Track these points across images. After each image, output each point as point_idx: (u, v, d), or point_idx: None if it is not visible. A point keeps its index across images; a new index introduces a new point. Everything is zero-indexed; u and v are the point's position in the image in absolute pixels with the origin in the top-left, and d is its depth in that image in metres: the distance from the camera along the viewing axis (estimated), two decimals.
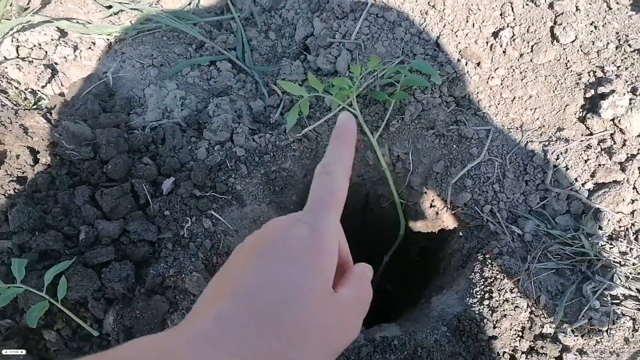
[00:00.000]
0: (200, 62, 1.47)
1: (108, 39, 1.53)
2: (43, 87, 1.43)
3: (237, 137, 1.27)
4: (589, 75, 1.23)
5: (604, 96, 1.17)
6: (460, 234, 1.21)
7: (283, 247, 0.41)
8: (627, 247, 1.06)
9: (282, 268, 0.40)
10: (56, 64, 1.47)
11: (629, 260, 1.05)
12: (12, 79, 1.41)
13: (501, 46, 1.30)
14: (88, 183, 1.17)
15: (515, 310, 0.98)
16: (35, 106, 1.38)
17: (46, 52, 1.48)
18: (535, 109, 1.23)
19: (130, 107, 1.37)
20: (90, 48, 1.52)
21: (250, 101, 1.40)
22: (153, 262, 1.09)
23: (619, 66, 1.22)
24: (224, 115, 1.30)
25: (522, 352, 0.95)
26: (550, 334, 0.97)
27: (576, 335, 0.96)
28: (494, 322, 0.97)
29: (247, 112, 1.36)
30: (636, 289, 1.01)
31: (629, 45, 1.24)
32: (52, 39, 1.49)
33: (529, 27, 1.31)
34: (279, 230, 0.43)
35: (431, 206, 1.31)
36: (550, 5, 1.33)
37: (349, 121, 0.51)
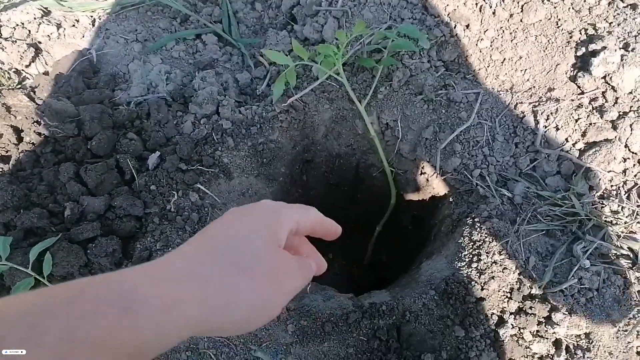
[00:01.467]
0: (185, 36, 1.45)
1: (92, 16, 1.51)
2: (27, 66, 1.41)
3: (223, 109, 1.25)
4: (581, 33, 1.20)
5: (595, 53, 1.14)
6: (451, 199, 1.20)
7: (245, 211, 0.50)
8: (619, 205, 1.04)
9: (241, 222, 0.47)
10: (40, 42, 1.46)
11: (620, 219, 1.03)
12: None
13: (490, 7, 1.27)
14: (73, 160, 1.17)
15: (503, 272, 0.97)
16: (19, 86, 1.37)
17: (29, 31, 1.46)
18: (526, 69, 1.20)
19: (115, 83, 1.36)
20: (74, 26, 1.49)
21: (237, 73, 1.37)
22: (140, 236, 1.08)
23: (611, 22, 1.19)
24: (210, 88, 1.28)
25: (511, 313, 0.94)
26: (539, 294, 0.96)
27: (565, 295, 0.95)
28: (482, 284, 0.96)
29: (233, 84, 1.34)
30: (627, 248, 1.00)
31: (622, 0, 1.20)
32: (35, 18, 1.47)
33: None
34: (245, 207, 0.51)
35: (421, 173, 1.29)
36: None
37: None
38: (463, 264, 1.01)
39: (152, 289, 0.37)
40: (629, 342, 0.90)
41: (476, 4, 1.29)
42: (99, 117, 1.21)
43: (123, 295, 0.35)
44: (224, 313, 0.42)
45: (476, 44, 1.26)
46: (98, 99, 1.29)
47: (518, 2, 1.26)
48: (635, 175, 1.07)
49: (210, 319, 0.40)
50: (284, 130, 1.28)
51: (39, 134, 1.20)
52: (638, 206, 1.03)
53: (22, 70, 1.41)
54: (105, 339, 0.33)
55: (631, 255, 0.99)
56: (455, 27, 1.28)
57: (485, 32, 1.26)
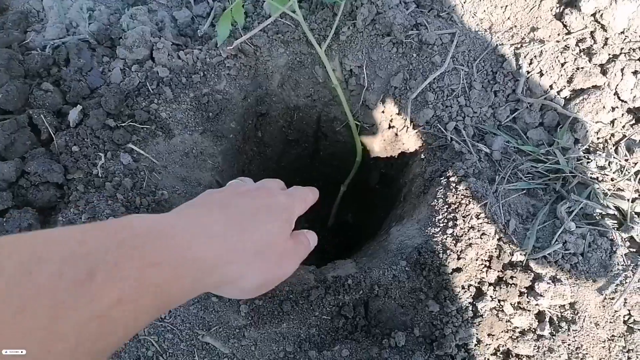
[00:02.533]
0: None
1: None
2: None
3: (158, 54, 1.06)
4: None
5: None
6: (422, 156, 1.07)
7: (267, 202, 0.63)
8: (606, 160, 0.94)
9: (263, 211, 0.60)
10: None
11: (607, 175, 0.93)
12: None
13: None
14: None
15: (481, 238, 0.86)
16: None
17: None
18: (506, 6, 1.06)
19: (27, 23, 1.13)
20: None
21: (174, 10, 1.17)
22: (62, 207, 0.91)
23: None
24: (142, 28, 1.08)
25: (490, 284, 0.84)
26: (521, 262, 0.86)
27: (549, 262, 0.86)
28: (458, 253, 0.86)
29: (170, 23, 1.14)
30: (614, 206, 0.91)
31: None
32: None
33: None
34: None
35: (390, 127, 1.15)
36: None
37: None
38: (437, 229, 0.90)
39: (200, 251, 0.47)
40: (615, 311, 0.83)
41: None
42: (6, 65, 1.01)
43: (179, 253, 0.44)
44: (235, 282, 0.54)
45: None
46: (6, 42, 1.07)
47: None
48: (623, 127, 0.97)
49: (225, 286, 0.55)
50: (232, 78, 1.10)
51: None
52: (626, 160, 0.94)
53: None
54: (164, 286, 0.41)
55: (618, 215, 0.90)
56: None
57: None
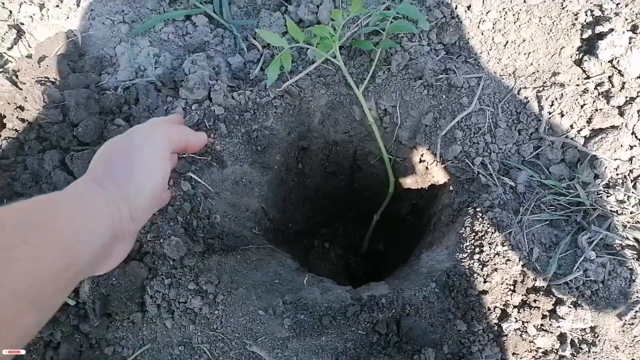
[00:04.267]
0: (175, 17, 1.39)
1: None
2: (9, 48, 1.35)
3: (215, 94, 1.20)
4: (586, 14, 1.15)
5: (601, 36, 1.09)
6: (451, 188, 1.16)
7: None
8: (625, 194, 1.01)
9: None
10: (22, 23, 1.39)
11: (626, 208, 1.00)
12: None
13: None
14: (58, 147, 1.11)
15: (506, 264, 0.94)
16: (1, 69, 1.31)
17: (10, 11, 1.39)
18: (529, 53, 1.16)
19: (101, 66, 1.30)
20: (57, 6, 1.42)
21: (229, 57, 1.32)
22: None
23: (619, 3, 1.14)
24: (201, 72, 1.23)
25: (514, 306, 0.91)
26: (544, 287, 0.93)
27: (570, 288, 0.92)
28: (485, 277, 0.93)
29: (225, 68, 1.29)
30: (633, 238, 0.97)
31: None
32: None
33: None
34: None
35: (420, 161, 1.25)
36: None
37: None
38: (465, 255, 0.98)
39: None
40: (635, 336, 0.88)
41: None
42: (85, 103, 1.16)
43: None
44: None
45: (478, 26, 1.21)
46: (84, 83, 1.23)
47: None
48: None
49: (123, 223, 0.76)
50: (278, 116, 1.23)
51: (22, 120, 1.15)
52: None
53: (4, 53, 1.35)
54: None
55: (637, 246, 0.97)
56: (456, 8, 1.23)
57: (487, 13, 1.21)
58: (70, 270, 0.57)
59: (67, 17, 1.40)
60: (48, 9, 1.41)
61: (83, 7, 1.41)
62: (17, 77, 1.24)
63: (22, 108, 1.15)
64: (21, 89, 1.18)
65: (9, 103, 1.16)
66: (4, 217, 0.53)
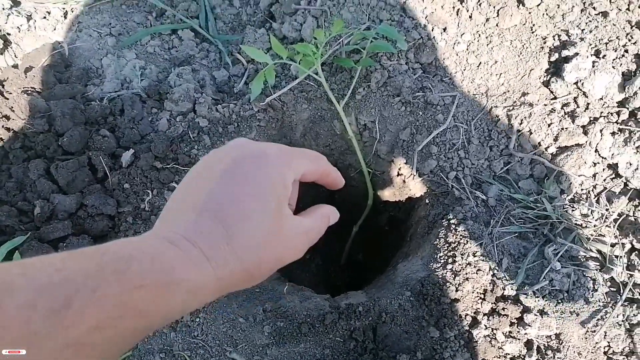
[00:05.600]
0: (161, 31, 1.42)
1: (64, 8, 1.46)
2: None
3: (199, 107, 1.23)
4: (554, 39, 1.22)
5: (567, 59, 1.16)
6: (427, 201, 1.21)
7: (245, 170, 0.49)
8: (589, 209, 1.07)
9: (245, 188, 0.47)
10: (9, 34, 1.41)
11: (589, 222, 1.06)
12: None
13: (467, 10, 1.28)
14: (43, 156, 1.13)
15: (477, 274, 0.99)
16: None
17: None
18: (501, 74, 1.22)
19: (88, 78, 1.32)
20: (45, 17, 1.45)
21: (214, 71, 1.36)
22: (112, 236, 1.06)
23: (584, 29, 1.22)
24: (186, 85, 1.26)
25: (484, 314, 0.96)
26: (512, 295, 0.98)
27: (537, 297, 0.97)
28: (457, 286, 0.98)
29: (210, 82, 1.32)
30: (596, 250, 1.03)
31: (594, 8, 1.23)
32: (3, 8, 1.42)
33: None
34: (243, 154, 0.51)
35: (398, 174, 1.30)
36: None
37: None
38: (438, 265, 1.02)
39: (185, 273, 0.42)
40: (597, 342, 0.93)
41: (453, 7, 1.30)
42: (70, 113, 1.18)
43: (163, 273, 0.40)
44: (241, 283, 0.47)
45: (453, 47, 1.27)
46: (70, 94, 1.25)
47: (494, 7, 1.28)
48: (604, 180, 1.10)
49: (234, 287, 0.47)
50: (261, 129, 1.27)
51: (8, 129, 1.16)
52: (607, 210, 1.07)
53: None
54: (148, 309, 0.39)
55: (600, 258, 1.02)
56: (432, 30, 1.29)
57: (462, 35, 1.27)
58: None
59: (54, 29, 1.42)
60: (35, 20, 1.43)
61: (70, 19, 1.43)
62: (3, 86, 1.25)
63: (7, 117, 1.17)
64: (7, 99, 1.20)
65: None
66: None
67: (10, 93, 1.23)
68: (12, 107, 1.15)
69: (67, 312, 0.33)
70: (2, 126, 1.15)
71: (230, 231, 0.45)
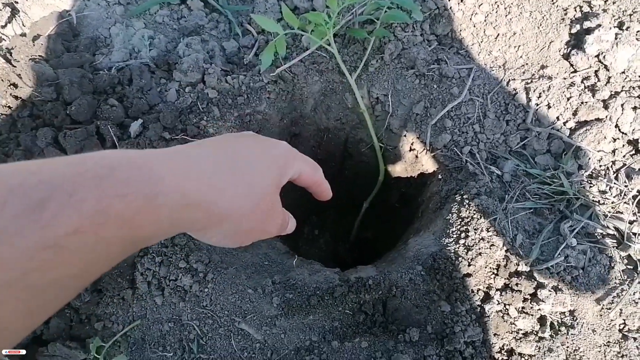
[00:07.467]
0: (170, 0, 1.39)
1: None
2: (3, 27, 1.35)
3: (208, 78, 1.21)
4: (575, 10, 1.18)
5: (589, 31, 1.12)
6: (440, 176, 1.19)
7: (263, 145, 0.56)
8: (607, 185, 1.04)
9: (257, 156, 0.52)
10: (16, 2, 1.38)
11: (607, 198, 1.03)
12: None
13: None
14: (51, 125, 1.12)
15: (490, 249, 0.96)
16: None
17: None
18: (519, 46, 1.18)
19: (96, 47, 1.30)
20: None
21: (223, 41, 1.33)
22: None
23: (607, 0, 1.17)
24: (195, 55, 1.24)
25: (497, 289, 0.94)
26: (526, 271, 0.96)
27: (552, 273, 0.95)
28: (469, 260, 0.96)
29: (219, 52, 1.29)
30: (614, 227, 1.00)
31: None
32: None
33: None
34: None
35: (411, 149, 1.27)
36: None
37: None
38: (450, 240, 1.00)
39: (175, 185, 0.40)
40: (611, 320, 0.91)
41: None
42: (78, 82, 1.16)
43: (151, 183, 0.38)
44: (219, 225, 0.47)
45: (470, 18, 1.23)
46: (78, 63, 1.23)
47: None
48: (624, 156, 1.07)
49: (208, 229, 0.47)
50: (271, 101, 1.25)
51: (16, 97, 1.15)
52: (625, 186, 1.03)
53: None
54: (133, 219, 0.36)
55: (617, 235, 1.00)
56: (449, 0, 1.25)
57: (479, 6, 1.23)
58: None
59: None
60: None
61: None
62: (10, 54, 1.24)
63: (15, 85, 1.15)
64: (15, 67, 1.18)
65: (2, 80, 1.16)
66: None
67: (18, 61, 1.21)
68: (19, 75, 1.14)
69: (42, 213, 0.31)
70: (10, 94, 1.14)
71: (234, 176, 0.47)
